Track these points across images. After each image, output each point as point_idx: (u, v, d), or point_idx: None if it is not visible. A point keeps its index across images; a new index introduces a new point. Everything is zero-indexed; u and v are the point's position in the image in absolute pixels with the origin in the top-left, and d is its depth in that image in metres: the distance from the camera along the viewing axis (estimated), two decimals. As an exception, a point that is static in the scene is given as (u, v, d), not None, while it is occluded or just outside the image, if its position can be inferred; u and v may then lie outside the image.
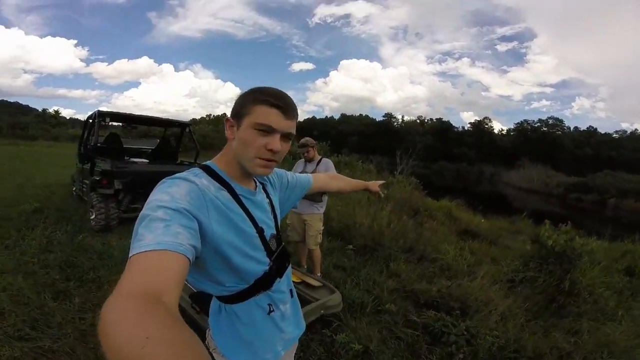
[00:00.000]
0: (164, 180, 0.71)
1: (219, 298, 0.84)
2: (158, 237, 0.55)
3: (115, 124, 5.73)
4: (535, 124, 59.53)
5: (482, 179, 45.48)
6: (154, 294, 0.45)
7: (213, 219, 0.71)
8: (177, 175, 0.74)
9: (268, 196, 0.96)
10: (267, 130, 0.76)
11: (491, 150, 55.25)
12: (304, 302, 2.35)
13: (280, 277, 0.92)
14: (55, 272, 2.87)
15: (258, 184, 0.94)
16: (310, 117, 77.57)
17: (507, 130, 64.90)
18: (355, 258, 3.97)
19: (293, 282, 2.57)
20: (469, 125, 64.93)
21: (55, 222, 4.20)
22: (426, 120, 67.18)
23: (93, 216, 4.16)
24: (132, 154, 5.57)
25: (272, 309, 0.89)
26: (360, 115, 71.32)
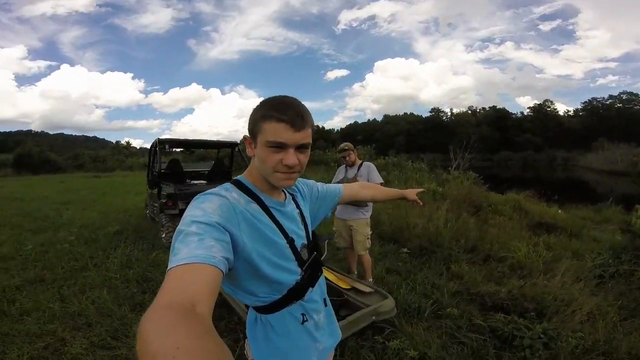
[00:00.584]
0: (197, 196, 0.75)
1: (255, 309, 0.87)
2: (192, 251, 0.57)
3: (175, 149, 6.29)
4: (606, 101, 53.27)
5: (555, 166, 41.07)
6: (187, 305, 0.47)
7: (244, 231, 0.73)
8: (210, 190, 0.77)
9: (298, 206, 0.96)
10: (279, 146, 0.75)
11: (559, 134, 49.93)
12: (354, 308, 2.30)
13: (313, 286, 0.92)
14: (133, 286, 3.20)
15: (288, 195, 0.95)
16: (352, 122, 77.23)
17: (573, 111, 58.30)
18: (410, 261, 3.78)
19: (343, 288, 2.56)
20: (527, 110, 59.68)
21: (134, 241, 4.71)
22: (478, 110, 62.36)
23: (164, 235, 4.67)
24: (192, 176, 6.08)
25: (305, 319, 0.90)
26: (405, 114, 68.73)
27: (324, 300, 1.00)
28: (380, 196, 1.35)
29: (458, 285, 3.05)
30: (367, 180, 3.00)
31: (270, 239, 0.79)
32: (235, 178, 0.87)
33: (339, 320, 2.06)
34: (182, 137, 5.57)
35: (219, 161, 6.66)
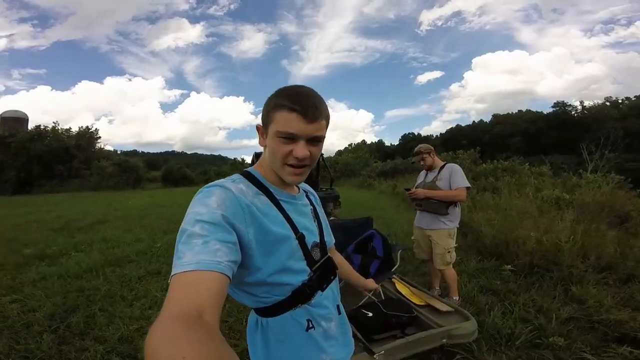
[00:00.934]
0: (200, 189, 0.70)
1: (255, 311, 0.81)
2: (196, 256, 0.55)
3: None
4: None
5: None
6: (194, 314, 0.47)
7: (250, 226, 0.68)
8: (214, 182, 0.72)
9: (312, 204, 0.92)
10: (290, 137, 0.71)
11: None
12: (424, 328, 2.03)
13: (322, 290, 0.83)
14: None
15: (302, 190, 0.91)
16: (454, 125, 68.33)
17: None
18: (514, 280, 3.14)
19: (415, 304, 2.30)
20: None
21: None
22: (620, 101, 47.83)
23: None
24: None
25: (311, 325, 0.80)
26: (519, 111, 57.17)
27: (337, 307, 0.91)
28: (342, 273, 1.12)
29: (576, 310, 2.38)
30: (449, 184, 2.64)
31: (277, 234, 0.73)
32: (245, 169, 0.83)
33: (400, 338, 1.84)
34: None
35: None
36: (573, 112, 48.79)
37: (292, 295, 0.77)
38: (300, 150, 0.71)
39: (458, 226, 2.75)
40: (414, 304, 2.38)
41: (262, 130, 0.78)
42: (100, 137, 26.32)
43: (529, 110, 57.00)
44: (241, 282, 0.73)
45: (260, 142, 0.80)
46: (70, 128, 25.34)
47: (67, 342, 2.30)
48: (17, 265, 4.18)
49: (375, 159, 32.72)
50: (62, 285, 3.39)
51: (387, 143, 72.61)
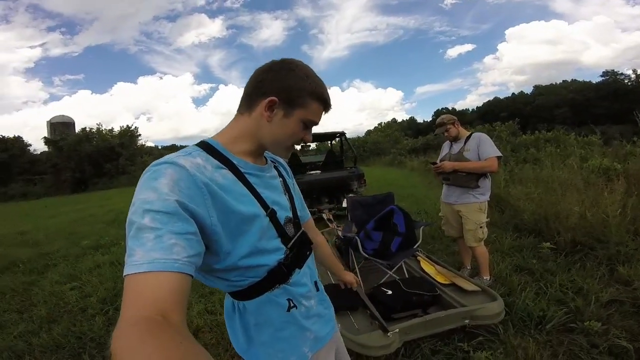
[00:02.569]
0: (148, 167, 0.60)
1: (231, 295, 0.76)
2: (149, 254, 0.49)
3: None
4: None
5: None
6: (156, 317, 0.44)
7: (211, 208, 0.60)
8: (165, 158, 0.62)
9: (281, 175, 0.87)
10: (311, 125, 0.76)
11: None
12: (446, 307, 1.99)
13: (300, 267, 0.80)
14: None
15: (269, 161, 0.84)
16: (492, 98, 63.73)
17: None
18: (553, 259, 2.94)
19: (439, 283, 2.25)
20: None
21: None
22: None
23: None
24: (311, 167, 6.64)
25: (292, 305, 0.77)
26: (564, 81, 52.20)
27: (315, 283, 0.87)
28: (320, 256, 1.09)
29: (620, 292, 2.18)
30: (477, 155, 2.47)
31: (244, 213, 0.66)
32: (203, 140, 0.73)
33: (421, 316, 1.81)
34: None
35: (330, 152, 7.04)
36: (626, 81, 43.91)
37: (268, 276, 0.72)
38: (311, 135, 0.78)
39: (489, 199, 2.59)
40: (439, 282, 2.32)
41: (279, 106, 0.71)
42: (140, 135, 27.90)
43: (575, 80, 52.08)
44: (211, 269, 0.67)
45: (264, 116, 0.71)
46: (112, 128, 27.06)
47: (114, 323, 2.55)
48: (77, 256, 4.71)
49: (407, 137, 31.83)
50: (113, 271, 3.75)
51: (419, 120, 70.52)
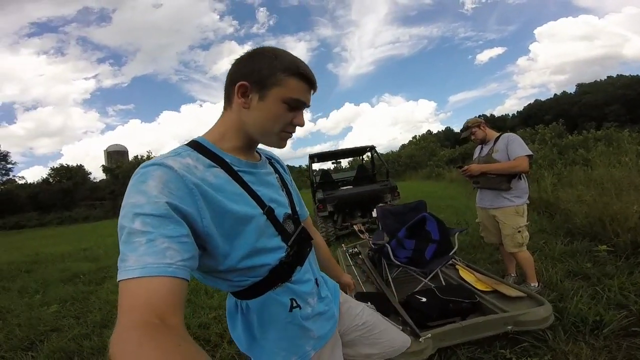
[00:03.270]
0: (137, 170, 0.58)
1: (234, 294, 0.75)
2: (142, 259, 0.48)
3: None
4: None
5: None
6: (154, 320, 0.43)
7: (203, 209, 0.59)
8: (153, 160, 0.60)
9: (277, 171, 0.85)
10: (297, 106, 0.70)
11: None
12: (487, 314, 1.89)
13: (302, 265, 0.78)
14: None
15: (263, 157, 0.82)
16: (533, 101, 60.45)
17: None
18: (611, 263, 2.68)
19: (479, 290, 2.17)
20: None
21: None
22: None
23: (322, 233, 5.32)
24: (343, 183, 6.66)
25: (296, 304, 0.76)
26: (610, 77, 48.93)
27: (316, 280, 0.85)
28: (324, 262, 1.07)
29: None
30: (507, 155, 2.37)
31: (238, 213, 0.64)
32: (193, 139, 0.71)
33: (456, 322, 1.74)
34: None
35: (361, 167, 7.08)
36: None
37: (270, 275, 0.71)
38: (303, 119, 0.72)
39: (528, 202, 2.46)
40: (478, 289, 2.21)
41: (252, 89, 0.68)
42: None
43: (621, 75, 48.68)
44: (210, 270, 0.67)
45: (241, 103, 0.69)
46: (162, 155, 29.87)
47: None
48: None
49: (444, 148, 30.84)
50: None
51: (456, 129, 68.07)
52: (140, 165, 0.59)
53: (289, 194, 0.83)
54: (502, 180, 2.42)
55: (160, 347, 0.39)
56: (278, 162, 0.91)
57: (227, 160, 0.69)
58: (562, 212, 4.28)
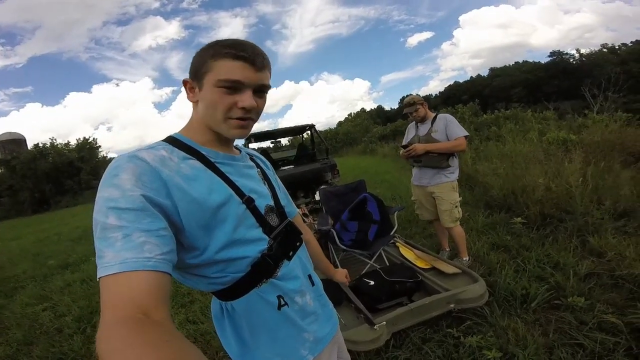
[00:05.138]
0: (110, 164, 0.58)
1: (216, 295, 0.70)
2: (120, 254, 0.47)
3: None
4: None
5: None
6: (139, 316, 0.43)
7: (178, 200, 0.57)
8: (126, 153, 0.59)
9: (259, 166, 0.82)
10: (235, 87, 0.64)
11: None
12: (430, 293, 2.00)
13: (289, 259, 0.74)
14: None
15: (244, 153, 0.80)
16: (452, 82, 66.75)
17: None
18: (526, 234, 3.04)
19: (420, 268, 2.26)
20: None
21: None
22: (617, 47, 45.22)
23: None
24: (283, 163, 6.50)
25: (284, 302, 0.71)
26: (517, 63, 55.75)
27: (309, 277, 0.81)
28: (314, 259, 1.02)
29: (595, 265, 2.27)
30: (446, 135, 2.50)
31: (214, 201, 0.62)
32: (169, 135, 0.71)
33: (406, 304, 1.81)
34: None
35: (302, 145, 6.94)
36: (572, 60, 47.99)
37: (252, 270, 0.66)
38: (248, 99, 0.65)
39: (458, 177, 2.64)
40: (419, 267, 2.33)
41: (192, 83, 0.68)
42: (100, 146, 26.15)
43: (526, 61, 55.70)
44: (188, 265, 0.63)
45: (189, 98, 0.69)
46: (68, 142, 25.20)
47: (94, 342, 2.42)
48: (45, 276, 4.47)
49: (376, 125, 32.36)
50: (86, 289, 3.59)
51: (387, 108, 72.78)
52: (113, 159, 0.58)
53: (271, 187, 0.80)
54: (443, 159, 2.54)
55: (149, 343, 0.38)
56: (260, 159, 0.88)
57: (203, 152, 0.68)
58: (481, 185, 4.74)
